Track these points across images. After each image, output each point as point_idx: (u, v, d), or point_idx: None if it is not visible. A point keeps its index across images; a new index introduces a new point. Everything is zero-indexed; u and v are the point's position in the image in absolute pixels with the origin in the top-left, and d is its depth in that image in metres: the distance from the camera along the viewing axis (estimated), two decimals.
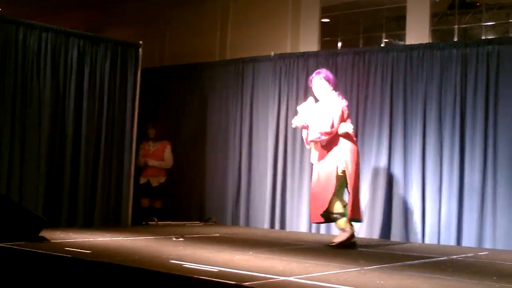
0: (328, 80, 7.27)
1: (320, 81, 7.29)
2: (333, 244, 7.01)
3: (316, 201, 7.14)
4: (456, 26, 9.25)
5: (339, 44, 10.33)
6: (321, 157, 7.17)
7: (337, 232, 7.37)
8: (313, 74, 7.35)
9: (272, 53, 10.01)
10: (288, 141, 9.65)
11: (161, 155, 10.11)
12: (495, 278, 5.11)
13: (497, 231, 7.85)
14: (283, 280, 4.52)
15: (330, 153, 7.09)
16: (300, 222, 9.39)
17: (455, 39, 9.14)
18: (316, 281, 4.49)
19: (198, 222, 10.21)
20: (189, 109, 10.98)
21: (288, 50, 10.38)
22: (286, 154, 9.66)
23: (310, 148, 7.39)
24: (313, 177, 7.33)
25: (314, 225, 9.13)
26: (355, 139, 7.28)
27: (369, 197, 8.77)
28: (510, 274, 5.53)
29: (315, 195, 7.16)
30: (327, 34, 10.52)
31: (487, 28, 9.06)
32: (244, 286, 4.20)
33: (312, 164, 7.51)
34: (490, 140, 8.04)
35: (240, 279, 4.41)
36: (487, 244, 7.86)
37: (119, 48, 9.34)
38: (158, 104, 11.23)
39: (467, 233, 8.06)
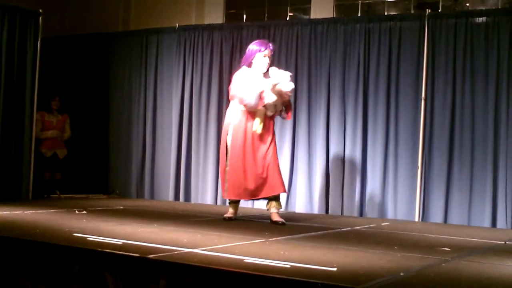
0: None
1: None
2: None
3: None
4: (360, 1, 9.35)
5: (244, 17, 10.29)
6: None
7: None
8: (269, 44, 6.98)
9: (177, 25, 9.89)
10: (193, 114, 9.58)
11: (63, 127, 9.86)
12: (396, 247, 5.24)
13: (398, 203, 8.07)
14: (187, 252, 4.49)
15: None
16: (205, 194, 9.37)
17: (359, 15, 9.25)
18: (220, 253, 4.49)
19: (101, 194, 10.05)
20: (91, 81, 10.71)
21: (193, 22, 10.26)
22: (191, 126, 9.59)
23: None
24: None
25: (219, 198, 9.15)
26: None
27: None
28: (410, 243, 5.66)
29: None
30: (233, 6, 10.46)
31: (390, 5, 9.21)
32: (148, 259, 4.16)
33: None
34: (391, 113, 8.22)
35: (145, 252, 4.37)
36: (389, 215, 8.07)
37: (18, 15, 8.97)
38: (60, 75, 10.91)
39: (369, 204, 8.24)
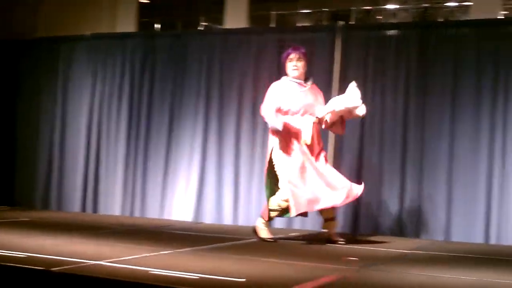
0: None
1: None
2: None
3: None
4: (273, 12, 9.41)
5: (158, 26, 10.20)
6: None
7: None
8: (297, 47, 6.73)
9: (88, 33, 9.70)
10: (103, 123, 9.41)
11: None
12: (305, 257, 5.26)
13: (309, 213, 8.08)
14: (93, 264, 4.38)
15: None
16: (114, 205, 9.20)
17: (273, 25, 9.29)
18: (126, 264, 4.42)
19: (5, 206, 9.73)
20: None
21: (105, 30, 10.10)
22: (100, 135, 9.41)
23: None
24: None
25: (127, 208, 9.01)
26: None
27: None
28: (319, 253, 5.71)
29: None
30: (145, 15, 10.35)
31: (303, 16, 9.29)
32: (52, 272, 4.04)
33: None
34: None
35: (49, 265, 4.24)
36: (296, 225, 8.06)
37: None
38: None
39: None
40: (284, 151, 6.34)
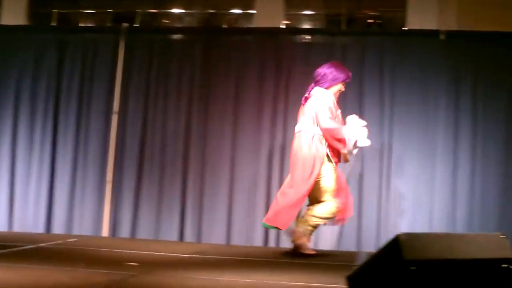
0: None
1: None
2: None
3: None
4: (55, 10, 9.06)
5: None
6: None
7: None
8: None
9: None
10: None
11: None
12: (83, 264, 5.06)
13: (86, 218, 7.85)
14: None
15: None
16: None
17: (54, 24, 8.95)
18: None
19: None
20: None
21: None
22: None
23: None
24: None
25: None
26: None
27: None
28: (98, 259, 5.55)
29: None
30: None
31: (87, 16, 9.06)
32: None
33: None
34: (82, 126, 7.95)
35: None
36: (76, 231, 7.82)
37: None
38: None
39: (57, 219, 7.90)
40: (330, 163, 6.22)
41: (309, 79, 6.49)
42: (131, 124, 7.92)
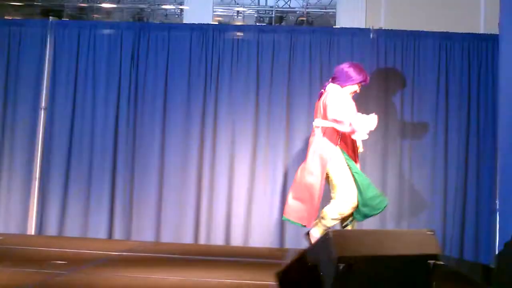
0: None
1: None
2: None
3: None
4: None
5: None
6: None
7: None
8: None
9: None
10: None
11: None
12: (8, 263, 4.99)
13: (12, 215, 7.65)
14: None
15: None
16: None
17: None
18: None
19: None
20: None
21: None
22: None
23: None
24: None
25: None
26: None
27: None
28: (24, 258, 5.47)
29: None
30: None
31: (14, 8, 8.88)
32: None
33: None
34: (8, 123, 7.81)
35: None
36: (1, 229, 7.60)
37: None
38: None
39: None
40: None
41: (238, 75, 6.50)
42: (59, 120, 7.78)
